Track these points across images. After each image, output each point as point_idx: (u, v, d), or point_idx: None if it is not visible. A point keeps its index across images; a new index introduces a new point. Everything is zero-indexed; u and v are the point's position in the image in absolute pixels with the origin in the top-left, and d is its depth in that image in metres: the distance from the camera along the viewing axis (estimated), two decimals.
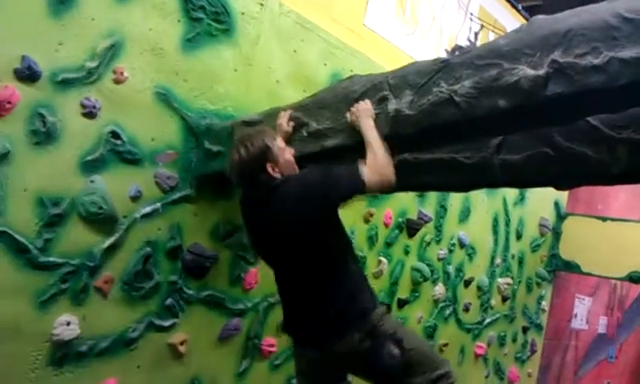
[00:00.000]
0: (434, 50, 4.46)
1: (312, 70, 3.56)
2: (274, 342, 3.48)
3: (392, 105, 2.19)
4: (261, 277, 3.33)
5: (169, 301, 2.94)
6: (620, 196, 7.24)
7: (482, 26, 4.54)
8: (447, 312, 4.86)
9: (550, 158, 2.31)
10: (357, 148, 2.26)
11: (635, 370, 9.24)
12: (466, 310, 5.09)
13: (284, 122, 2.58)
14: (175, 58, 2.90)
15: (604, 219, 5.99)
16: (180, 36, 2.91)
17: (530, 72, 1.80)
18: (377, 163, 2.19)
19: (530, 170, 2.39)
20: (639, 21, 1.61)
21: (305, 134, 2.51)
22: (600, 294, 7.52)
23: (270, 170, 2.33)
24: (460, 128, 2.06)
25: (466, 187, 2.86)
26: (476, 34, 4.47)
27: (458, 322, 5.02)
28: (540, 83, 1.77)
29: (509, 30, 4.92)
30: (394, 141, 2.23)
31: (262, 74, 3.29)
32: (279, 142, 2.43)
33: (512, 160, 2.42)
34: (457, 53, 4.42)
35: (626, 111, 2.05)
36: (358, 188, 2.22)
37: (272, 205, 2.33)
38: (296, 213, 2.29)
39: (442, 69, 2.07)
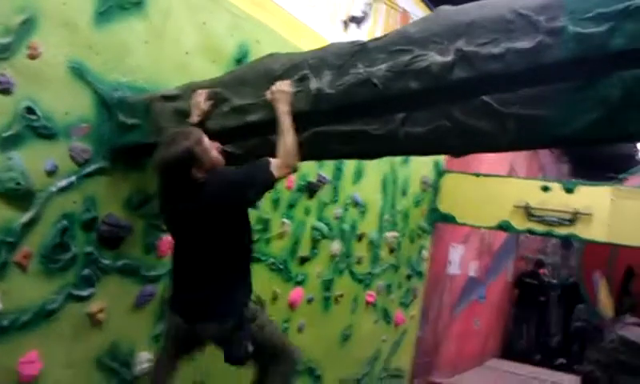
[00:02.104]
0: (331, 21, 4.64)
1: (220, 42, 3.61)
2: None
3: (313, 84, 2.35)
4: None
5: (86, 271, 2.97)
6: (490, 154, 7.85)
7: None
8: (342, 266, 5.17)
9: (448, 130, 2.56)
10: None
11: (501, 306, 10.30)
12: (359, 262, 5.42)
13: (201, 100, 2.66)
14: (88, 32, 2.87)
15: (477, 175, 6.42)
16: (93, 9, 2.89)
17: (439, 58, 2.03)
18: (287, 152, 2.43)
19: (431, 141, 2.64)
20: (530, 16, 1.87)
21: (227, 109, 2.60)
22: (471, 241, 8.08)
23: (193, 173, 2.48)
24: (376, 106, 2.29)
25: (374, 155, 3.10)
26: (369, 6, 4.71)
27: (352, 274, 5.34)
28: (447, 68, 2.01)
29: (399, 3, 5.25)
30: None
31: (172, 46, 3.31)
32: (205, 143, 2.51)
33: (415, 132, 2.65)
34: (352, 23, 4.66)
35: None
36: (269, 185, 2.52)
37: (193, 200, 2.50)
38: (215, 208, 2.50)
39: (358, 52, 2.27)
